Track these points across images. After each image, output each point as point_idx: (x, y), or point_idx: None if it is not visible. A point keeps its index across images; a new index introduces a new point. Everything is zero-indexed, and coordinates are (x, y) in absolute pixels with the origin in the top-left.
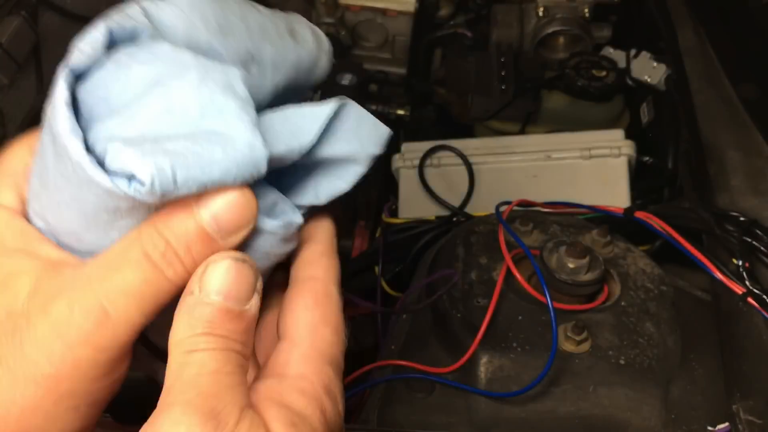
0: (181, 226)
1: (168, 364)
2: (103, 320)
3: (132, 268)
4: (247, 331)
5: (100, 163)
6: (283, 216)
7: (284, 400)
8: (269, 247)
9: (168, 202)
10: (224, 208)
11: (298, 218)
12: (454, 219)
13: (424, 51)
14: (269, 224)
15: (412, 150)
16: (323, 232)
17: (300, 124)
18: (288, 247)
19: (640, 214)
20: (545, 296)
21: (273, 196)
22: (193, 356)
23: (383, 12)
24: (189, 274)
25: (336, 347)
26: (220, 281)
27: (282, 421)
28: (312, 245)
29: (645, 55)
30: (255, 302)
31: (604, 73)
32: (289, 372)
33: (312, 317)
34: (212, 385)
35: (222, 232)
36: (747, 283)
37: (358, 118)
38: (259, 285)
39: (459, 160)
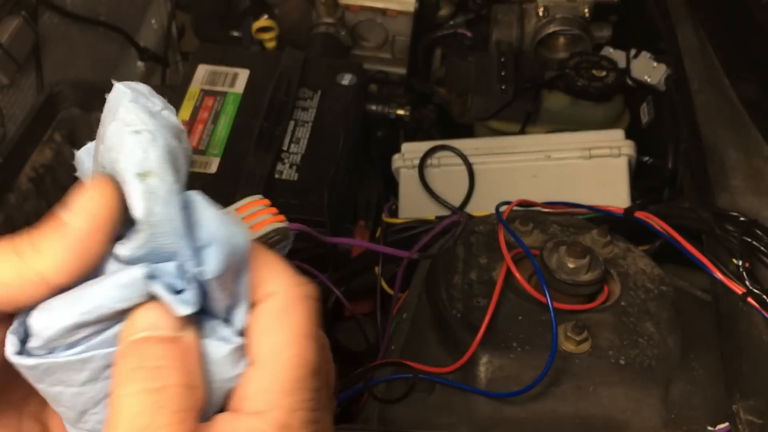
0: None
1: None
2: None
3: None
4: (186, 355)
5: None
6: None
7: None
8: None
9: None
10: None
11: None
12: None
13: (424, 51)
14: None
15: (412, 150)
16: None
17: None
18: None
19: (640, 214)
20: (545, 296)
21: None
22: (122, 402)
23: (383, 12)
24: None
25: (303, 369)
26: (144, 318)
27: None
28: (259, 268)
29: (645, 55)
30: (189, 333)
31: (604, 73)
32: (245, 407)
33: (272, 341)
34: None
35: None
36: (747, 283)
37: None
38: (187, 324)
39: (459, 160)
